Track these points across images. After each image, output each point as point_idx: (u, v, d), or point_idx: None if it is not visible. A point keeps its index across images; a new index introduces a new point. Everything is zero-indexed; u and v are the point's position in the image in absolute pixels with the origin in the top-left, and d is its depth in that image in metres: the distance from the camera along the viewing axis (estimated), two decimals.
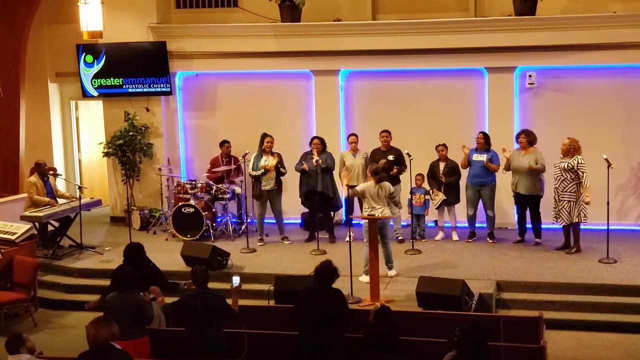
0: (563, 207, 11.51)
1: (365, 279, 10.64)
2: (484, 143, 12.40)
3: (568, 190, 11.47)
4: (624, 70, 13.09)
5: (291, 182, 13.15)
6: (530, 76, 13.24)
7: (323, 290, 7.77)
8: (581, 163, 11.43)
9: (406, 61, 13.48)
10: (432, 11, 13.64)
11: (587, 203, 11.45)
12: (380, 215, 10.56)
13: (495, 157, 12.38)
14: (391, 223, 12.62)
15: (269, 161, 12.64)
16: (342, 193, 12.61)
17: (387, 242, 10.91)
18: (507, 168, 12.27)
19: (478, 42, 13.11)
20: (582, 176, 11.39)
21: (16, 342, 6.62)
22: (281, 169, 12.77)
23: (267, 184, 12.69)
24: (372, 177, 10.81)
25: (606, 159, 11.30)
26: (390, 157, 12.49)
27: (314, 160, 12.48)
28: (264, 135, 12.79)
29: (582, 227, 11.73)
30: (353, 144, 12.83)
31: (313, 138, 12.87)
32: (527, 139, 12.05)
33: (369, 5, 13.94)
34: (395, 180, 12.44)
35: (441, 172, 12.59)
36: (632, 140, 13.20)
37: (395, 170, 12.37)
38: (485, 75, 13.46)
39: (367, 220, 10.64)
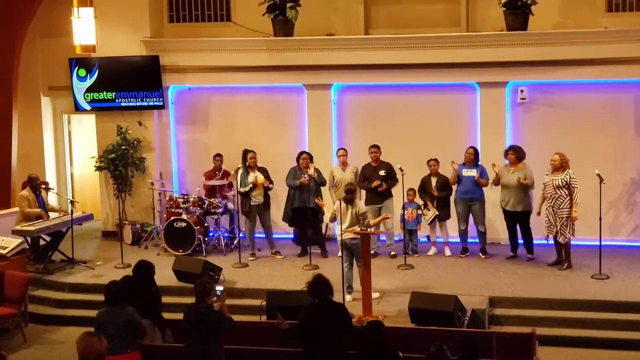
0: (563, 224, 11.49)
1: (347, 298, 10.47)
2: (474, 158, 12.41)
3: (565, 207, 11.45)
4: (615, 85, 13.12)
5: (283, 196, 13.10)
6: (522, 91, 13.28)
7: (325, 305, 7.70)
8: (573, 178, 11.46)
9: (398, 76, 13.51)
10: (424, 26, 13.67)
11: (574, 219, 11.47)
12: (372, 230, 10.37)
13: (484, 172, 12.39)
14: (384, 238, 12.66)
15: (257, 176, 12.63)
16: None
17: (355, 265, 10.52)
18: (496, 183, 12.27)
19: (470, 57, 13.15)
20: (574, 192, 11.41)
21: None
22: (269, 184, 12.76)
23: (256, 200, 12.66)
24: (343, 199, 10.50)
25: (598, 174, 11.32)
26: (382, 172, 12.47)
27: (306, 175, 12.44)
28: (246, 152, 12.74)
29: (573, 242, 11.74)
30: (342, 158, 12.79)
31: (301, 153, 12.85)
32: (516, 155, 12.07)
33: (362, 20, 13.98)
34: (387, 194, 12.46)
35: (433, 186, 12.58)
36: (623, 155, 13.23)
37: (384, 187, 12.37)
38: (477, 90, 13.49)
39: (340, 239, 10.45)
